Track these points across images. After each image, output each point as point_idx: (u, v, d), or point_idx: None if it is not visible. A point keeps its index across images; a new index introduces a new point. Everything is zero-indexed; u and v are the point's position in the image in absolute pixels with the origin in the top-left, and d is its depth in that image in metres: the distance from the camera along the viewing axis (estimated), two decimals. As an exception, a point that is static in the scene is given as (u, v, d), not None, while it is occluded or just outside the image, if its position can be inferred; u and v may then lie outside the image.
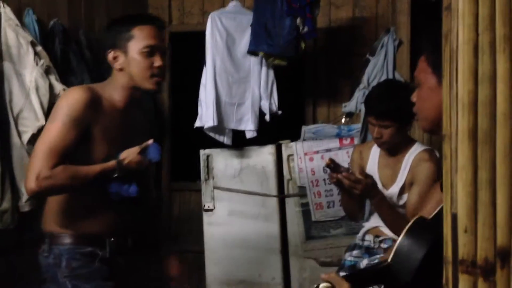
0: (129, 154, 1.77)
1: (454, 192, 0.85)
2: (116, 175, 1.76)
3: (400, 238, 1.24)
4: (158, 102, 3.75)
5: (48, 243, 1.80)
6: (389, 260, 1.23)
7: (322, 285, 1.02)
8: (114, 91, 1.83)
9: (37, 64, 2.58)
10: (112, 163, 1.75)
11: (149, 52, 1.80)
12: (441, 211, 1.35)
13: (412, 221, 1.27)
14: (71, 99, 1.75)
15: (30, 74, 2.54)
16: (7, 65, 2.52)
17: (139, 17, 1.90)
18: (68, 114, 1.72)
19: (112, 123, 1.80)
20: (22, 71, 2.54)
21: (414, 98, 1.35)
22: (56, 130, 1.71)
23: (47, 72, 2.60)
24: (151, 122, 2.01)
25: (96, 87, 1.85)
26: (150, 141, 1.80)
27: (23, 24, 2.65)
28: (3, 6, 2.56)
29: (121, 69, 1.82)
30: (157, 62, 1.80)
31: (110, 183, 1.77)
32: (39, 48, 2.63)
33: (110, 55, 1.82)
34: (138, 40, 1.80)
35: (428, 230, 1.24)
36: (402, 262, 1.20)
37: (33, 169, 1.67)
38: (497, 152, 0.83)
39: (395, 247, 1.23)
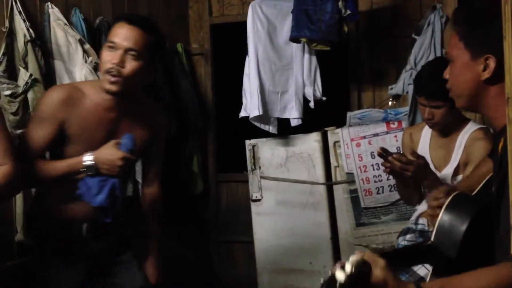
0: (101, 149, 1.74)
1: (520, 157, 0.82)
2: (89, 172, 1.74)
3: (440, 215, 1.21)
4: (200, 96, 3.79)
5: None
6: (432, 239, 1.20)
7: (353, 257, 1.00)
8: (100, 90, 1.78)
9: (86, 61, 2.65)
10: (79, 158, 1.74)
11: (112, 48, 1.73)
12: (486, 183, 1.32)
13: (450, 197, 1.24)
14: (46, 98, 1.79)
15: (79, 71, 2.61)
16: (58, 64, 2.61)
17: (127, 16, 1.85)
18: (41, 113, 1.76)
19: (92, 123, 1.78)
20: (72, 69, 2.62)
21: (446, 74, 1.34)
22: (30, 128, 1.78)
23: (95, 69, 2.67)
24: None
25: (82, 85, 1.84)
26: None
27: (70, 23, 2.73)
28: (51, 7, 2.65)
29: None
30: (115, 59, 1.70)
31: (81, 181, 1.77)
32: (87, 46, 2.70)
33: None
34: (108, 36, 1.79)
35: (469, 204, 1.21)
36: (445, 238, 1.18)
37: None
38: None
39: (436, 225, 1.20)
